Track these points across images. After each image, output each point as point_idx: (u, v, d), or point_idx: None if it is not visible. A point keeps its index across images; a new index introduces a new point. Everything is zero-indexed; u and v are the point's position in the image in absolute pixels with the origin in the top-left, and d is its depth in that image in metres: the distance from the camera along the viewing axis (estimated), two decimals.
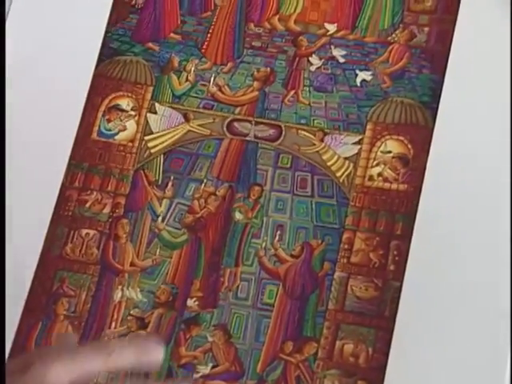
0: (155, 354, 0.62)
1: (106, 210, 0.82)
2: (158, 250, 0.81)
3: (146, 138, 0.83)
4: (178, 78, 0.84)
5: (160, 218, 0.81)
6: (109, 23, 0.86)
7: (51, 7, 0.87)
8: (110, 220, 0.82)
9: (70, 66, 0.85)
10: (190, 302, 0.79)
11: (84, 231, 0.82)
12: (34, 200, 0.80)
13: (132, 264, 0.81)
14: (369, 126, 0.80)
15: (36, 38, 0.87)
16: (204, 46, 0.85)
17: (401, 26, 0.81)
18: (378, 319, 0.75)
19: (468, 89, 0.77)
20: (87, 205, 0.82)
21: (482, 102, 0.77)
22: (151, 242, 0.81)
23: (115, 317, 0.80)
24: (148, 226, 0.81)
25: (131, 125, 0.84)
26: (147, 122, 0.84)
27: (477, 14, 0.79)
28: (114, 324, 0.80)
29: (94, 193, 0.82)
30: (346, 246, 0.77)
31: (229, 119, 0.82)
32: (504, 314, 0.72)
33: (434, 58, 0.79)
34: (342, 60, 0.82)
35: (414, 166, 0.78)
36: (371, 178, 0.79)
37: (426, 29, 0.80)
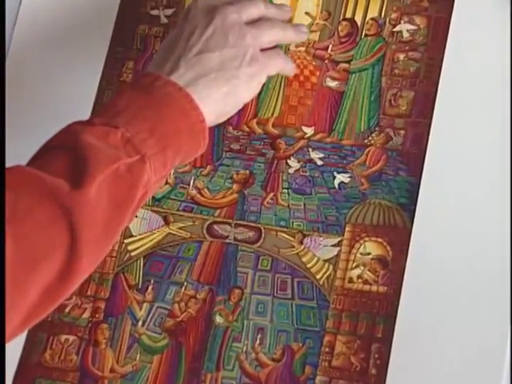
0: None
1: (86, 315, 0.82)
2: (138, 355, 0.80)
3: (126, 241, 0.84)
4: None
5: (140, 323, 0.81)
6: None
7: (39, 95, 0.88)
8: (90, 325, 0.81)
9: None
10: None
11: (63, 337, 0.81)
12: None
13: (112, 370, 0.80)
14: (348, 228, 0.80)
15: (23, 125, 0.87)
16: None
17: (377, 129, 0.82)
18: None
19: (444, 191, 0.78)
20: (67, 310, 0.82)
21: (459, 204, 0.78)
22: (131, 346, 0.80)
23: None
24: (128, 331, 0.81)
25: None
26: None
27: (450, 117, 0.80)
28: None
29: (74, 297, 0.82)
30: (327, 350, 0.77)
31: (208, 222, 0.83)
32: None
33: (410, 160, 0.81)
34: (319, 162, 0.83)
35: (394, 268, 0.78)
36: (351, 280, 0.79)
37: (402, 132, 0.82)
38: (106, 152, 0.65)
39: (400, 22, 0.84)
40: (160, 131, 0.68)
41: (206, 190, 0.84)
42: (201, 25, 0.74)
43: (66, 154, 0.65)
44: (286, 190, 0.83)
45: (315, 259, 0.80)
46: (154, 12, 0.89)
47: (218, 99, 0.72)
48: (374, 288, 0.78)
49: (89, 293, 0.82)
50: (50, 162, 0.65)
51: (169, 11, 0.89)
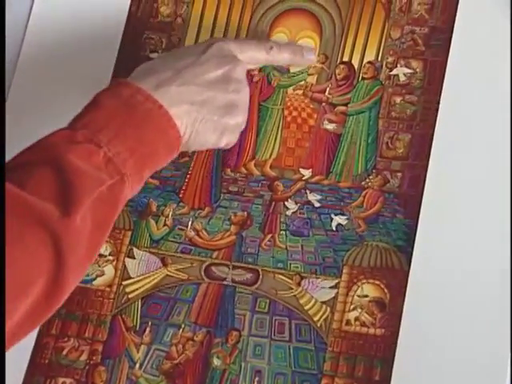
0: (309, 55, 0.84)
1: (83, 358, 0.81)
2: None
3: (124, 282, 0.84)
4: (156, 222, 0.85)
5: (137, 365, 0.81)
6: None
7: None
8: (87, 368, 0.81)
9: None
10: None
11: (60, 380, 0.81)
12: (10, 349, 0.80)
13: None
14: (345, 270, 0.80)
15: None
16: (182, 191, 0.86)
17: (374, 171, 0.83)
18: None
19: (441, 233, 0.78)
20: (64, 352, 0.82)
21: (456, 245, 0.78)
22: None
23: None
24: (125, 374, 0.81)
25: (109, 270, 0.84)
26: (125, 266, 0.84)
27: (447, 160, 0.81)
28: None
29: (71, 340, 0.82)
30: None
31: (206, 263, 0.83)
32: None
33: (407, 202, 0.81)
34: (317, 204, 0.83)
35: (391, 311, 0.78)
36: (348, 322, 0.79)
37: (399, 174, 0.82)
38: (92, 176, 0.67)
39: (397, 66, 0.85)
40: (140, 151, 0.71)
41: (204, 231, 0.84)
42: (211, 64, 0.76)
43: (52, 174, 0.66)
44: (283, 232, 0.83)
45: (313, 301, 0.80)
46: (154, 55, 0.89)
47: (192, 129, 0.75)
48: (372, 330, 0.78)
49: (86, 335, 0.82)
50: (36, 181, 0.66)
51: None
